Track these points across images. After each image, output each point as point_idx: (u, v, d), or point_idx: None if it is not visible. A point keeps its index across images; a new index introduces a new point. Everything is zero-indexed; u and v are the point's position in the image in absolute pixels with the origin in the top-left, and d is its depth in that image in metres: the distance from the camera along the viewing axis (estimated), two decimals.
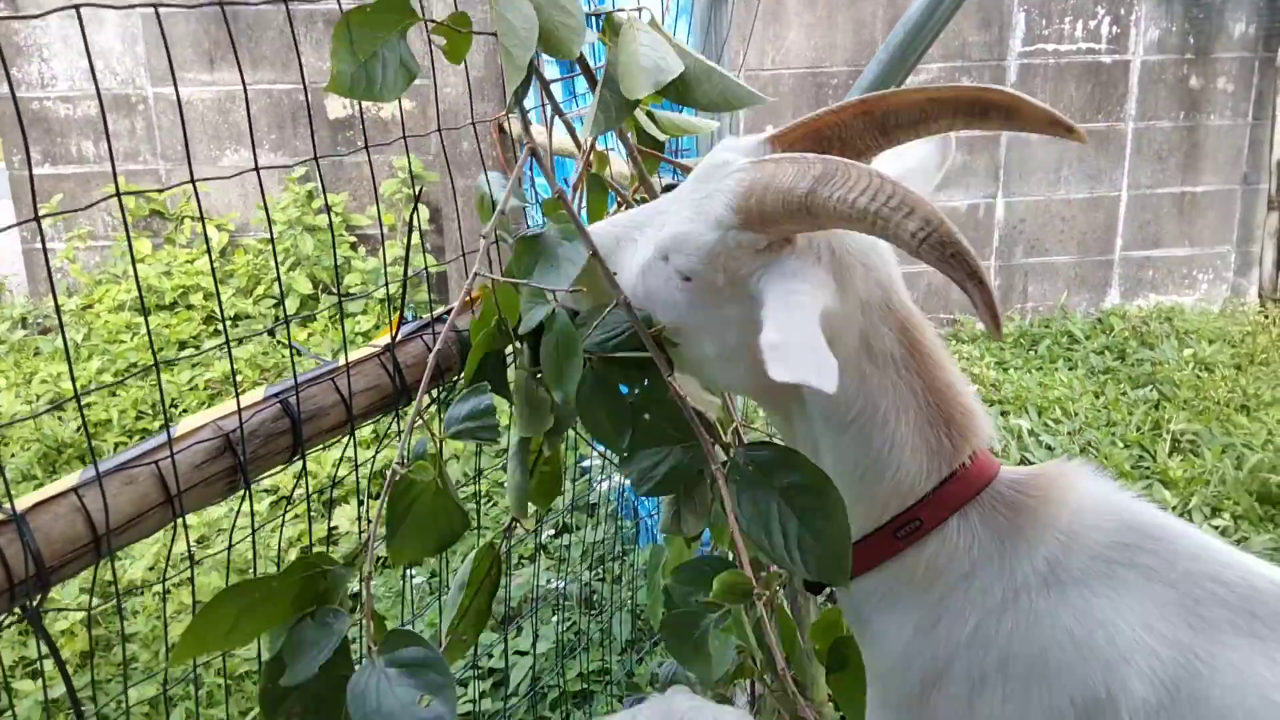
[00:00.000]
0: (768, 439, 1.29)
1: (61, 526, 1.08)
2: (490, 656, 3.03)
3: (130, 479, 1.15)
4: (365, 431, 4.04)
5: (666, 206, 1.21)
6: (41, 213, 6.08)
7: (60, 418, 4.64)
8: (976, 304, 0.99)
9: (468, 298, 1.34)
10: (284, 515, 1.58)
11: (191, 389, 4.89)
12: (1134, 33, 6.02)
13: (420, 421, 1.23)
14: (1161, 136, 6.13)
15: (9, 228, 1.00)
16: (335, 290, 4.63)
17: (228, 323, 5.43)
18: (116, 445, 4.46)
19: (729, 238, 1.12)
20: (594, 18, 1.74)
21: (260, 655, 1.16)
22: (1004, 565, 1.16)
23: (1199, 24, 6.07)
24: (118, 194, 1.13)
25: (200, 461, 1.21)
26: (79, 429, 4.44)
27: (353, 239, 6.03)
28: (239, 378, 4.93)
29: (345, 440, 1.48)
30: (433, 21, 1.24)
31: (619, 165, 1.80)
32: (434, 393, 1.57)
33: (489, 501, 3.99)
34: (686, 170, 1.54)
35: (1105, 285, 6.27)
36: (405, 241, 1.47)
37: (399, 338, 1.53)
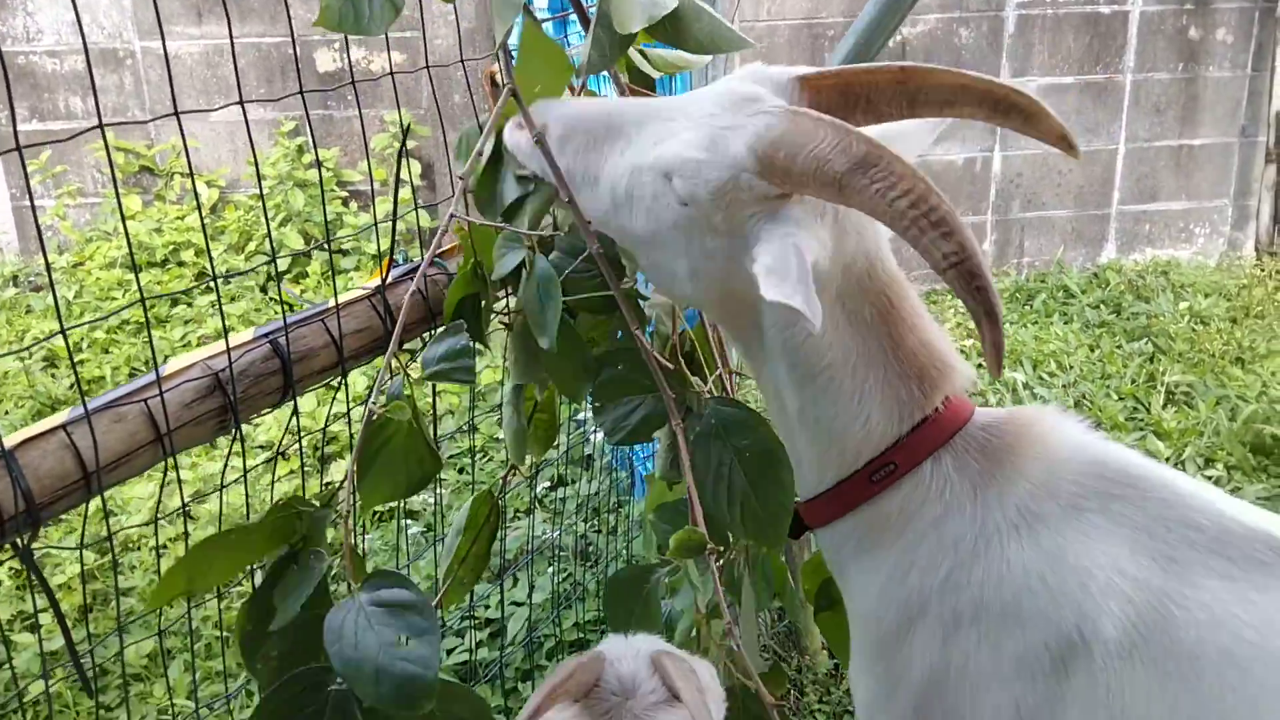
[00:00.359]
0: (737, 401, 1.30)
1: (50, 463, 1.07)
2: (487, 607, 3.05)
3: (119, 417, 1.14)
4: (359, 387, 4.04)
5: (676, 114, 1.17)
6: (30, 169, 5.99)
7: (54, 375, 4.63)
8: (985, 341, 1.00)
9: (453, 241, 1.33)
10: (275, 461, 1.58)
11: (185, 345, 4.87)
12: None
13: (400, 364, 1.22)
14: (1160, 89, 6.08)
15: None
16: (326, 245, 4.60)
17: (219, 280, 5.40)
18: None
19: (742, 179, 1.10)
20: None
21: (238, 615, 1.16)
22: (976, 510, 1.17)
23: None
24: (100, 126, 1.11)
25: (189, 400, 1.20)
26: (72, 386, 4.43)
27: (344, 194, 5.99)
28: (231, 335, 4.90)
29: (339, 394, 1.48)
30: None
31: None
32: (425, 336, 1.56)
33: (484, 456, 4.00)
34: None
35: (1102, 240, 6.25)
36: (394, 184, 1.46)
37: (389, 280, 1.52)
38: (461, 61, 1.54)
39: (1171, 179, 6.23)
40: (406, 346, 1.37)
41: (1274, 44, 6.13)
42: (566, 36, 2.69)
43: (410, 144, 5.82)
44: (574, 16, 1.56)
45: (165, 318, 5.11)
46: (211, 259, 1.52)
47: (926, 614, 1.18)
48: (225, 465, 1.49)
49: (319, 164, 1.68)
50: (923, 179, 1.01)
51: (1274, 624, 1.07)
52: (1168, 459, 3.80)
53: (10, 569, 3.44)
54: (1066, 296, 5.61)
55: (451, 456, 3.91)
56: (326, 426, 1.52)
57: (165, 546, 3.53)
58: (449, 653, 2.86)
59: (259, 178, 1.46)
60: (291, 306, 5.04)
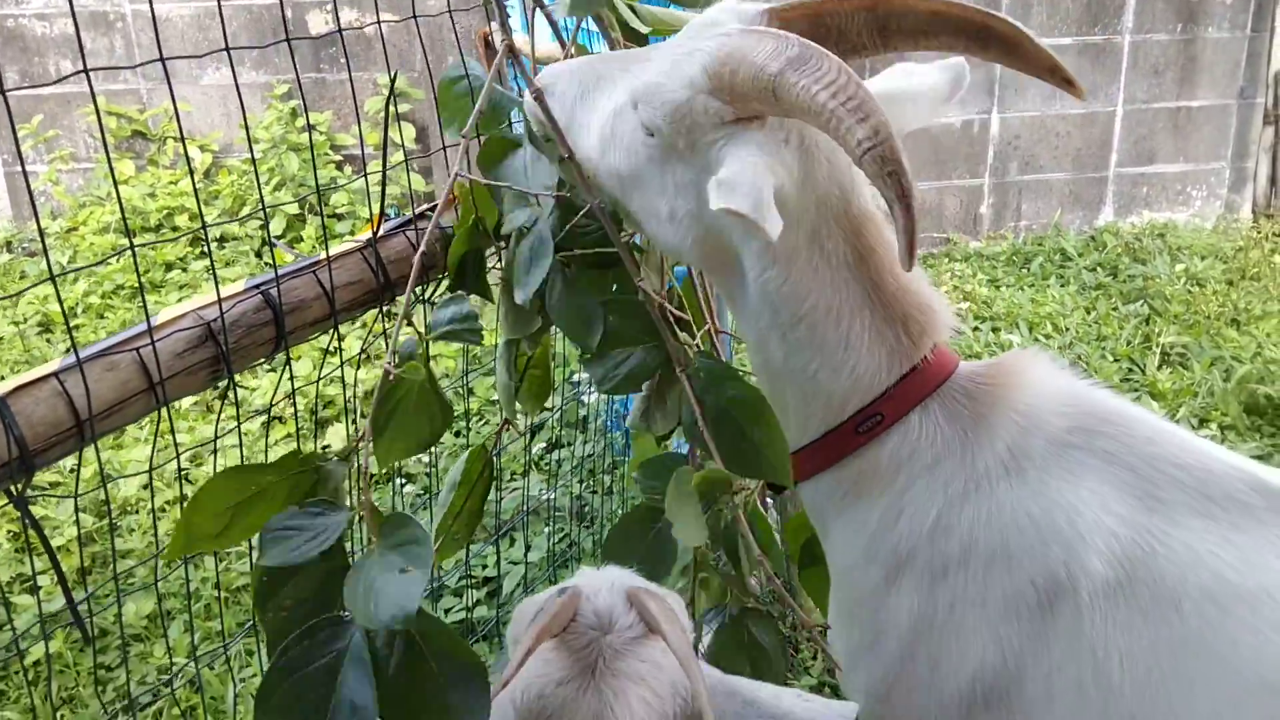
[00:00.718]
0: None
1: (43, 411, 1.07)
2: (484, 567, 3.07)
3: (111, 365, 1.14)
4: (352, 351, 4.04)
5: (654, 52, 1.19)
6: (20, 135, 5.93)
7: (49, 339, 4.63)
8: (898, 228, 0.99)
9: (450, 196, 1.32)
10: (269, 424, 1.58)
11: None
12: None
13: (407, 321, 1.22)
14: (1159, 50, 6.04)
15: None
16: (319, 210, 4.58)
17: (213, 244, 5.39)
18: None
19: (697, 101, 1.11)
20: None
21: (254, 561, 1.17)
22: (966, 455, 1.17)
23: None
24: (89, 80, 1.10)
25: (181, 350, 1.20)
26: (68, 350, 4.42)
27: (338, 158, 5.95)
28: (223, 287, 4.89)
29: (334, 354, 1.47)
30: None
31: None
32: (418, 290, 1.56)
33: (479, 419, 4.01)
34: None
35: (1099, 202, 6.23)
36: (384, 135, 1.45)
37: (380, 234, 1.51)
38: (449, 12, 1.53)
39: (1169, 141, 6.20)
40: (399, 302, 1.37)
41: (1273, 4, 6.08)
42: None
43: (404, 107, 5.77)
44: None
45: (160, 283, 5.09)
46: (205, 224, 1.51)
47: (915, 561, 1.19)
48: (217, 424, 1.49)
49: (310, 127, 1.68)
50: (848, 73, 1.00)
51: (1253, 563, 1.08)
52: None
53: (9, 532, 3.45)
54: (1063, 259, 5.60)
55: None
56: (319, 380, 1.52)
57: (163, 510, 3.54)
58: (447, 612, 2.88)
59: (250, 141, 1.45)
60: (277, 247, 5.04)
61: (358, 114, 1.47)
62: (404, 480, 3.57)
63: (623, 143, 1.18)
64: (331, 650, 0.96)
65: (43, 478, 3.56)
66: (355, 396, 3.16)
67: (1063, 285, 5.21)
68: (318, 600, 1.01)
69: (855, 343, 1.17)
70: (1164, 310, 4.77)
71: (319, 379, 1.55)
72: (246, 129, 1.42)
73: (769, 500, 2.52)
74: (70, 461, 3.60)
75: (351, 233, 5.53)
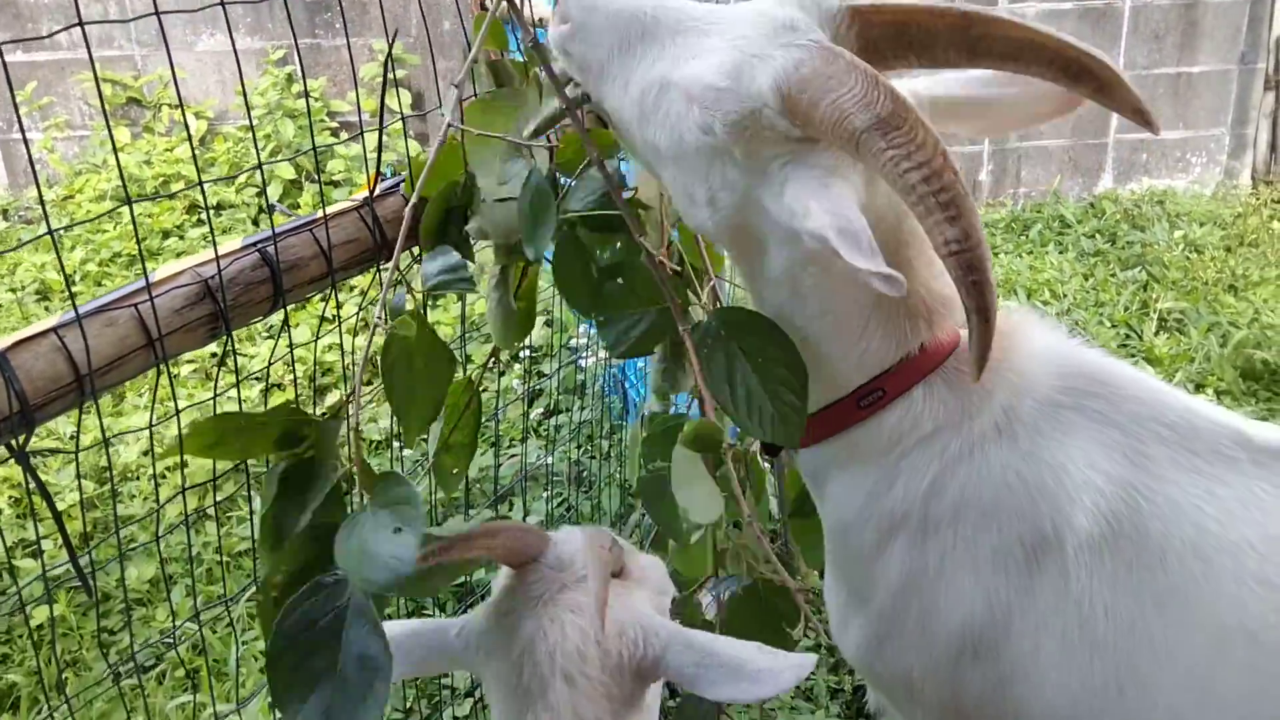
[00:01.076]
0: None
1: (42, 366, 1.08)
2: None
3: (110, 321, 1.14)
4: (352, 321, 4.04)
5: (712, 28, 1.08)
6: (17, 101, 5.91)
7: (46, 307, 4.63)
8: (972, 337, 0.97)
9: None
10: (267, 392, 1.59)
11: None
12: None
13: (400, 278, 1.22)
14: (1159, 15, 6.00)
15: None
16: (317, 174, 4.56)
17: (210, 211, 5.37)
18: None
19: (763, 115, 1.03)
20: None
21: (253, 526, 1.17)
22: (964, 422, 1.19)
23: None
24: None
25: (180, 306, 1.21)
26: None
27: (334, 125, 5.92)
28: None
29: (331, 324, 1.48)
30: None
31: None
32: (413, 251, 1.56)
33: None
34: None
35: (1098, 169, 6.21)
36: (381, 92, 1.44)
37: (377, 193, 1.51)
38: None
39: (1169, 107, 6.18)
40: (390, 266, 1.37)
41: None
42: None
43: (400, 73, 5.74)
44: None
45: (157, 250, 5.09)
46: (204, 191, 1.51)
47: (909, 522, 1.20)
48: (215, 388, 1.49)
49: (306, 93, 1.67)
50: (943, 153, 0.95)
51: (1235, 515, 1.10)
52: None
53: (10, 498, 3.47)
54: (1062, 226, 5.60)
55: None
56: (317, 339, 1.52)
57: (164, 476, 3.56)
58: None
59: (247, 105, 1.45)
60: (276, 209, 5.03)
61: (354, 77, 1.46)
62: (401, 445, 3.58)
63: (667, 121, 1.10)
64: (332, 608, 0.97)
65: (42, 445, 3.58)
66: (354, 364, 3.17)
67: (1061, 252, 5.20)
68: (319, 558, 1.02)
69: (872, 333, 1.17)
70: (1162, 277, 4.78)
71: (317, 337, 1.56)
72: (244, 92, 1.42)
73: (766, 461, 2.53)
74: (70, 428, 3.61)
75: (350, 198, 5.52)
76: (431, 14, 5.34)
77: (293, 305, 1.43)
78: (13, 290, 4.56)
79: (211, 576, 3.18)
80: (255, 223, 5.36)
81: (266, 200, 4.87)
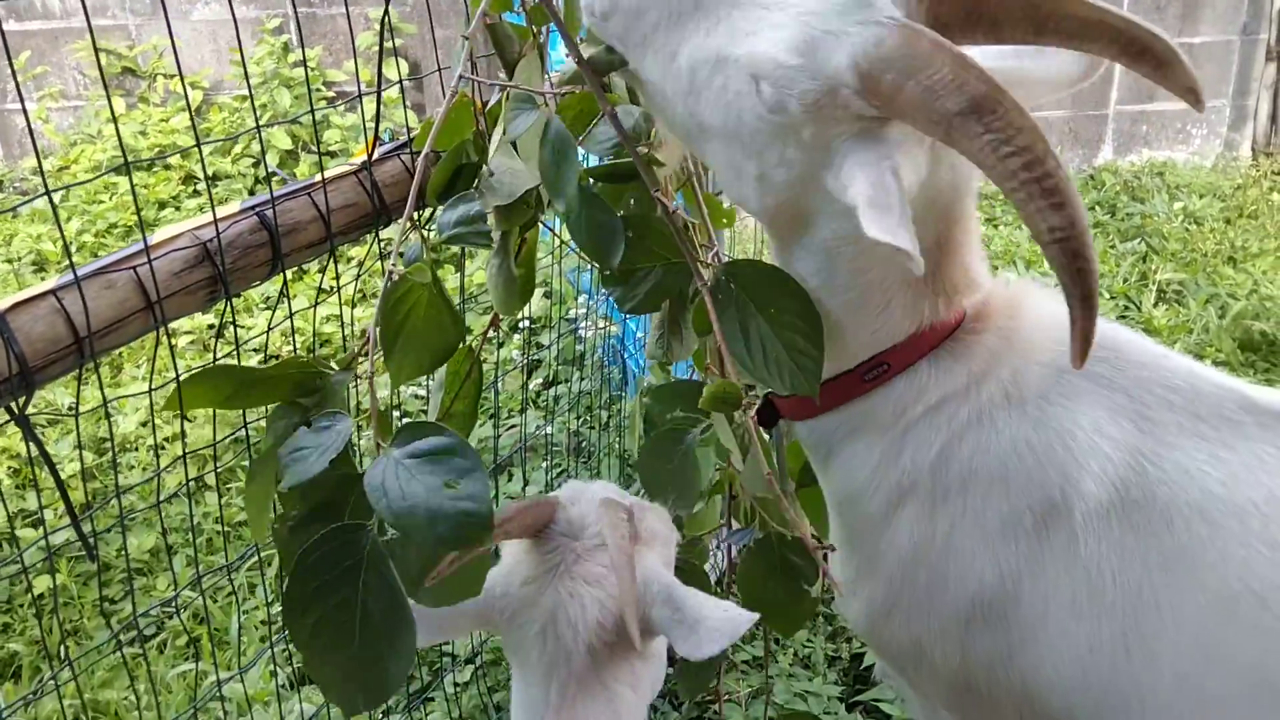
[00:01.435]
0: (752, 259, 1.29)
1: (42, 328, 1.07)
2: None
3: (109, 284, 1.14)
4: (350, 289, 4.03)
5: (773, 3, 1.02)
6: (7, 72, 5.83)
7: (43, 278, 4.61)
8: (1074, 328, 0.95)
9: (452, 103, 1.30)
10: (267, 362, 1.59)
11: None
12: None
13: (411, 231, 1.21)
14: None
15: None
16: (315, 139, 4.54)
17: (208, 181, 5.34)
18: None
19: (840, 95, 0.98)
20: None
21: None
22: (970, 391, 1.19)
23: None
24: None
25: (179, 269, 1.20)
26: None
27: (330, 94, 5.88)
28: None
29: (329, 296, 1.47)
30: None
31: None
32: (415, 216, 1.55)
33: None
34: None
35: (1098, 141, 6.19)
36: (379, 57, 1.43)
37: (375, 157, 1.50)
38: None
39: None
40: (395, 227, 1.36)
41: None
42: None
43: (396, 42, 5.69)
44: None
45: (153, 221, 5.06)
46: (204, 162, 1.50)
47: (917, 491, 1.21)
48: (214, 358, 1.49)
49: (304, 62, 1.65)
50: (1042, 138, 0.92)
51: (1241, 478, 1.11)
52: None
53: (9, 468, 3.48)
54: None
55: None
56: (316, 304, 1.52)
57: (163, 446, 3.57)
58: None
59: (245, 71, 1.44)
60: (275, 174, 5.01)
61: (353, 43, 1.45)
62: (401, 416, 3.58)
63: (722, 99, 1.05)
64: (348, 558, 0.97)
65: (39, 418, 3.58)
66: (352, 336, 3.16)
67: None
68: (329, 508, 1.01)
69: (893, 309, 1.17)
70: (1161, 248, 4.77)
71: (316, 303, 1.55)
72: (243, 60, 1.41)
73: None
74: (68, 399, 3.61)
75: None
76: None
77: (291, 273, 1.43)
78: (9, 261, 4.54)
79: (212, 546, 3.19)
80: (251, 194, 5.34)
81: (266, 166, 4.84)
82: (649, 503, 1.29)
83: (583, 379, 3.37)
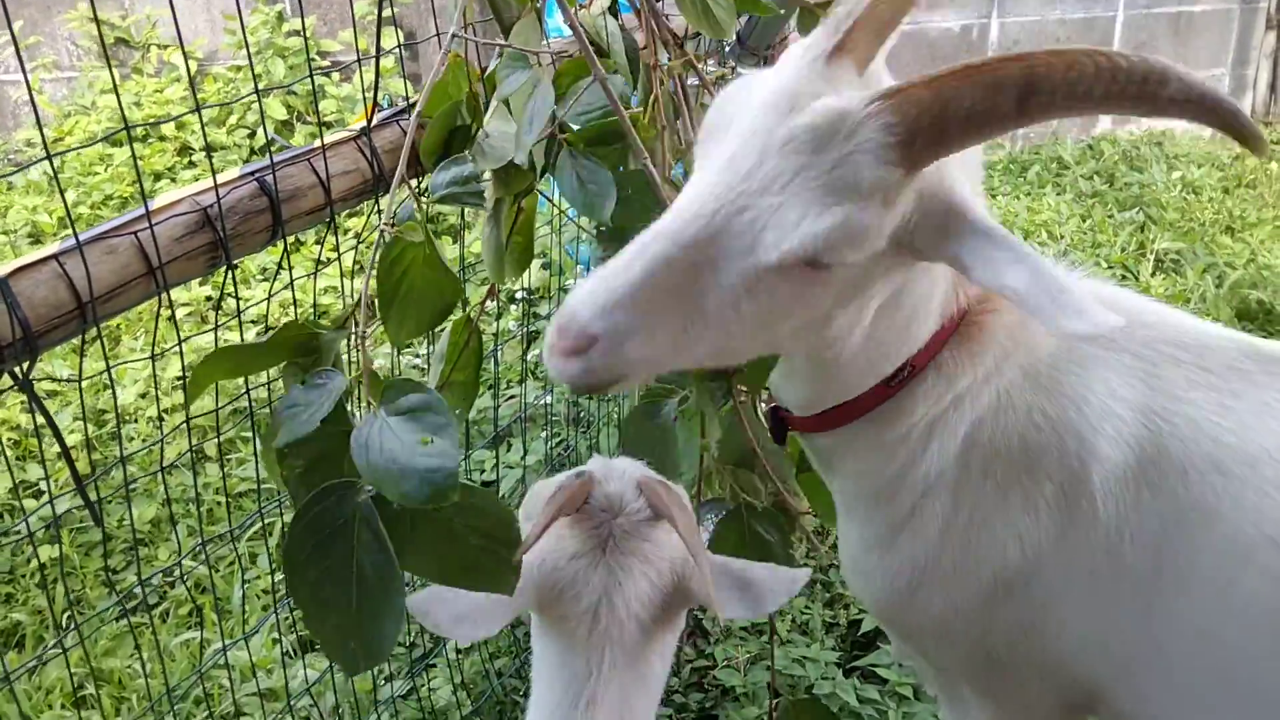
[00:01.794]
0: None
1: (44, 293, 1.07)
2: (482, 470, 3.11)
3: (111, 249, 1.14)
4: (349, 260, 4.02)
5: (748, 200, 0.93)
6: (2, 41, 5.77)
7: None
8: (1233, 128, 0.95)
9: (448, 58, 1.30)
10: (265, 330, 1.59)
11: None
12: None
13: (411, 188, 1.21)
14: None
15: None
16: (314, 113, 4.51)
17: (200, 155, 5.32)
18: None
19: (893, 188, 0.93)
20: None
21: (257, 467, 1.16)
22: (990, 376, 1.20)
23: None
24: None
25: (180, 235, 1.20)
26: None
27: (325, 64, 5.84)
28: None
29: (328, 268, 1.47)
30: None
31: None
32: (414, 182, 1.55)
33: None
34: None
35: None
36: (376, 24, 1.43)
37: (374, 123, 1.50)
38: None
39: (1169, 47, 6.11)
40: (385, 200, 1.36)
41: None
42: None
43: (395, 9, 5.65)
44: None
45: (149, 193, 5.04)
46: (205, 133, 1.50)
47: (944, 480, 1.21)
48: (216, 333, 1.49)
49: (303, 30, 1.64)
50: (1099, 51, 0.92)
51: (1251, 425, 1.12)
52: None
53: (10, 440, 3.48)
54: (1060, 168, 5.57)
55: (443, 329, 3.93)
56: (316, 271, 1.52)
57: (163, 417, 3.57)
58: None
59: (245, 37, 1.42)
60: (275, 141, 5.00)
61: (351, 7, 1.44)
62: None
63: (779, 302, 0.97)
64: (343, 514, 0.98)
65: (39, 387, 3.58)
66: (351, 307, 3.15)
67: (1059, 193, 5.18)
68: (326, 462, 1.02)
69: (930, 315, 1.17)
70: (1159, 218, 4.77)
71: (316, 270, 1.55)
72: (242, 26, 1.40)
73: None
74: (69, 370, 3.61)
75: None
76: None
77: (291, 238, 1.43)
78: (5, 233, 4.52)
79: (213, 517, 3.21)
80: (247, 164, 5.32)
81: (267, 133, 4.81)
82: (672, 483, 1.31)
83: None
